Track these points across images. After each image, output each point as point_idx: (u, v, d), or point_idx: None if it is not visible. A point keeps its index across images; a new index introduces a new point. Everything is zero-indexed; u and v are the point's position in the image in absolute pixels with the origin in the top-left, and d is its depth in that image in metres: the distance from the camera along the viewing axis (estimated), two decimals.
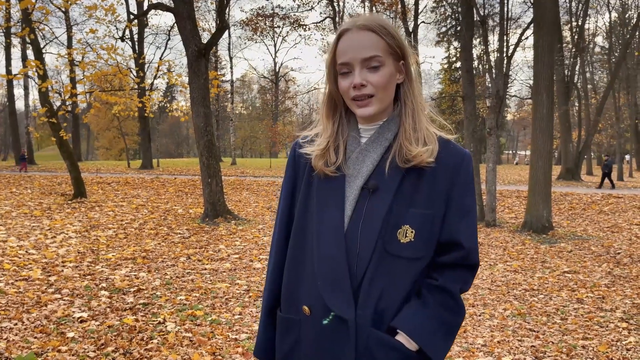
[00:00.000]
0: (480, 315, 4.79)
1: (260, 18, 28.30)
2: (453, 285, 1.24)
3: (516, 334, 4.30)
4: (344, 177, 1.26)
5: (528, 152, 46.84)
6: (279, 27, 32.50)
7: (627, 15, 29.92)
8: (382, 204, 1.20)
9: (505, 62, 11.41)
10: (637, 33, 26.71)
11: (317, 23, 28.11)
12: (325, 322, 1.20)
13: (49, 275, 5.63)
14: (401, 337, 1.19)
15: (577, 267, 6.93)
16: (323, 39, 41.50)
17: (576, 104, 30.40)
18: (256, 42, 31.62)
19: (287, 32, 38.48)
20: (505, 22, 12.76)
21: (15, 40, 24.93)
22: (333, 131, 1.31)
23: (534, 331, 4.38)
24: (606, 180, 19.05)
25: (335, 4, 26.31)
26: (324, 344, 1.22)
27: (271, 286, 1.39)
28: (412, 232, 1.20)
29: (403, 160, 1.22)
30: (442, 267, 1.26)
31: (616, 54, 26.06)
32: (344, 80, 1.24)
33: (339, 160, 1.27)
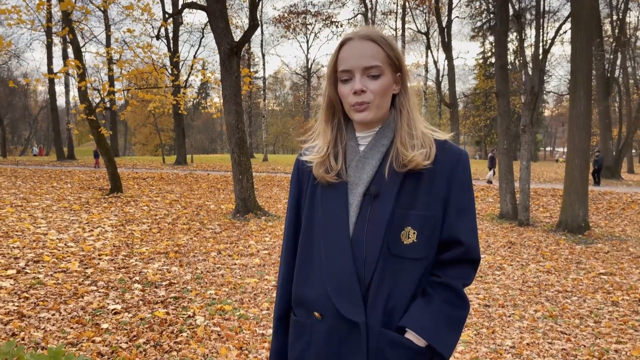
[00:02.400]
0: (510, 317, 4.72)
1: (292, 15, 28.44)
2: (455, 281, 1.29)
3: (546, 336, 4.22)
4: (346, 184, 1.31)
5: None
6: (311, 24, 32.56)
7: None
8: (385, 209, 1.25)
9: (541, 57, 11.13)
10: None
11: (349, 20, 28.02)
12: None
13: (86, 268, 5.83)
14: (410, 335, 1.24)
15: (614, 269, 6.73)
16: None
17: (617, 100, 29.37)
18: (289, 39, 31.73)
19: (320, 28, 38.51)
20: (541, 16, 12.43)
21: (57, 39, 25.76)
22: (332, 137, 1.36)
23: (566, 334, 4.29)
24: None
25: (367, 1, 26.16)
26: (335, 347, 1.26)
27: (282, 293, 1.45)
28: (414, 233, 1.25)
29: (400, 165, 1.27)
30: (444, 264, 1.30)
31: None
32: (344, 87, 1.29)
33: (339, 167, 1.32)
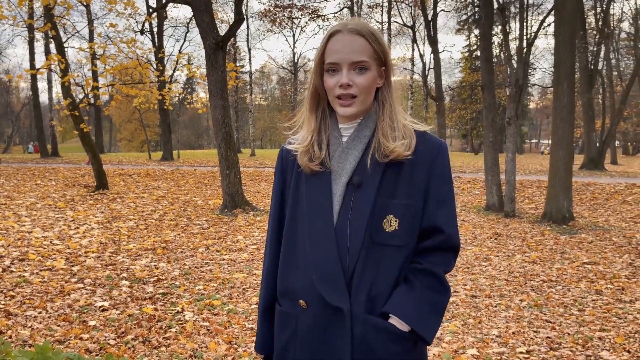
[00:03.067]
0: (496, 306, 4.78)
1: (278, 9, 28.32)
2: (437, 267, 1.32)
3: (532, 325, 4.29)
4: (330, 173, 1.33)
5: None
6: (297, 18, 32.43)
7: None
8: (367, 198, 1.28)
9: (525, 50, 11.22)
10: None
11: (335, 13, 27.97)
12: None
13: (72, 265, 5.78)
14: (394, 321, 1.27)
15: (597, 258, 6.85)
16: None
17: (600, 92, 29.73)
18: (275, 33, 31.59)
19: (306, 22, 38.40)
20: (525, 10, 12.52)
21: (39, 35, 25.39)
22: (316, 126, 1.39)
23: (550, 322, 4.36)
24: None
25: None
26: (321, 335, 1.29)
27: (267, 284, 1.47)
28: (395, 221, 1.28)
29: (382, 155, 1.30)
30: (425, 251, 1.34)
31: None
32: (330, 79, 1.31)
33: (323, 156, 1.34)
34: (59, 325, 3.93)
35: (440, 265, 1.33)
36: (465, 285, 5.50)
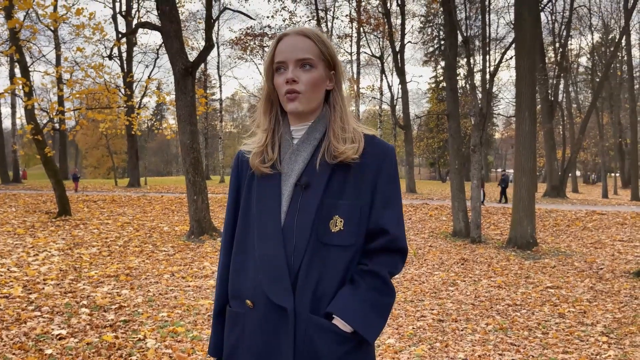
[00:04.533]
0: (462, 330, 4.81)
1: (249, 37, 28.53)
2: (382, 268, 1.33)
3: (497, 348, 4.32)
4: (280, 175, 1.36)
5: None
6: (267, 46, 32.81)
7: (610, 36, 30.66)
8: (314, 198, 1.30)
9: (488, 81, 11.61)
10: (618, 53, 27.35)
11: None
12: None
13: (30, 293, 5.56)
14: (337, 321, 1.27)
15: (560, 283, 6.99)
16: None
17: (561, 123, 30.86)
18: (246, 61, 31.82)
19: None
20: (487, 43, 13.02)
21: (3, 59, 24.88)
22: (270, 127, 1.41)
23: (515, 345, 4.40)
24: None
25: (322, 25, 26.64)
26: (266, 334, 1.29)
27: (220, 288, 1.46)
28: (341, 221, 1.30)
29: (331, 156, 1.32)
30: (372, 253, 1.35)
31: (599, 74, 26.59)
32: (279, 78, 1.36)
33: (275, 157, 1.37)
34: (14, 354, 3.75)
35: (386, 267, 1.34)
36: (433, 309, 5.52)
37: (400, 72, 23.83)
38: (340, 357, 1.27)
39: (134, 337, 4.26)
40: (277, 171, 1.36)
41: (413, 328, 4.82)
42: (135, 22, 23.86)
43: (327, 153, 1.33)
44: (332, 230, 1.29)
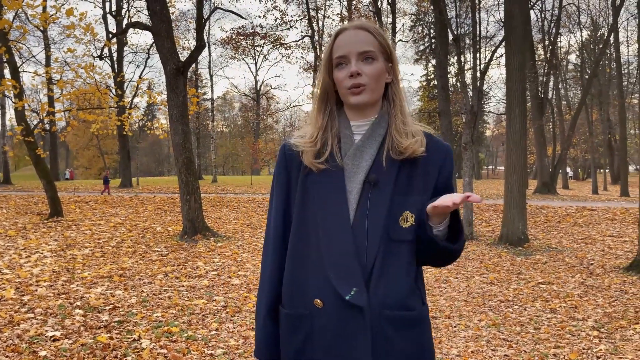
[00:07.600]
0: (455, 327, 4.85)
1: (240, 37, 28.44)
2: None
3: (490, 344, 4.37)
4: (342, 171, 1.34)
5: None
6: (259, 45, 32.74)
7: (599, 33, 30.89)
8: (385, 195, 1.30)
9: (478, 78, 11.69)
10: (607, 50, 27.57)
11: (296, 42, 28.36)
12: (348, 297, 1.27)
13: (22, 295, 5.54)
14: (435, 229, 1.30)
15: (552, 278, 7.06)
16: (303, 57, 41.90)
17: (551, 119, 31.07)
18: (237, 60, 31.77)
19: (268, 50, 38.82)
20: (477, 41, 13.09)
21: None
22: (323, 124, 1.39)
23: (508, 341, 4.45)
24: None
25: (314, 24, 26.64)
26: (340, 333, 1.28)
27: (270, 285, 1.42)
28: (412, 216, 1.31)
29: (397, 152, 1.33)
30: None
31: (588, 71, 26.80)
32: (340, 72, 1.35)
33: (327, 154, 1.35)
34: (7, 357, 3.74)
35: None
36: None
37: None
38: (413, 342, 1.31)
39: (128, 338, 4.26)
40: (339, 167, 1.34)
41: None
42: (125, 22, 23.74)
43: (392, 149, 1.33)
44: (403, 226, 1.30)
